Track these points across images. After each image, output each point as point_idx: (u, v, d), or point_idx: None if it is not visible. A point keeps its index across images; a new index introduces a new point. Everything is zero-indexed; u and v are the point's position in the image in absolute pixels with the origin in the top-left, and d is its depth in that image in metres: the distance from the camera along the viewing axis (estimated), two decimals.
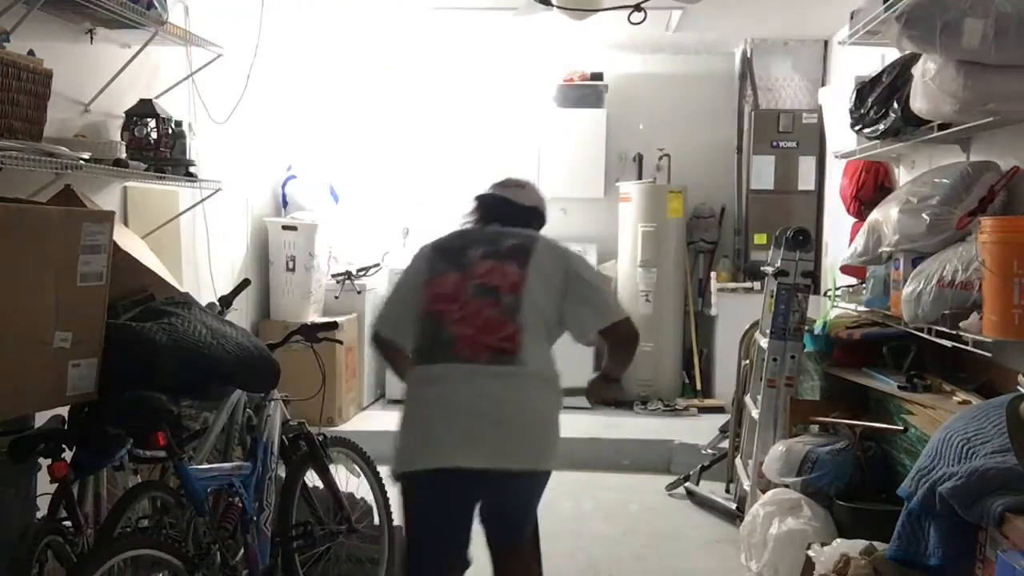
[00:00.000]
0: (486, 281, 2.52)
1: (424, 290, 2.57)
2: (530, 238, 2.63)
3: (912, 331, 3.37)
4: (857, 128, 4.05)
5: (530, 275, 2.52)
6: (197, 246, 4.74)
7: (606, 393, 2.85)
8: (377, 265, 6.41)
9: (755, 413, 4.19)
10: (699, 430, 5.57)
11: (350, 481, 3.44)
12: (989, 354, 2.95)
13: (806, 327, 4.11)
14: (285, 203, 6.04)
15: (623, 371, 2.78)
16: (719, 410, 6.07)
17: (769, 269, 4.23)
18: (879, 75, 3.84)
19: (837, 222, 5.60)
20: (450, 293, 2.52)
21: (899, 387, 3.47)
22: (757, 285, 6.14)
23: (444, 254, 2.64)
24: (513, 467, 2.43)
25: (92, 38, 3.73)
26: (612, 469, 5.41)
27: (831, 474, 3.53)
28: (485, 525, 2.57)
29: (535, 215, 2.79)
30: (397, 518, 3.23)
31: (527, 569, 2.69)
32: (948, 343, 3.13)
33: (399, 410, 2.60)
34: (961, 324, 2.99)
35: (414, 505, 2.52)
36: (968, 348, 2.99)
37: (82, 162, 3.10)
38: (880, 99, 3.76)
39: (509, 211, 2.73)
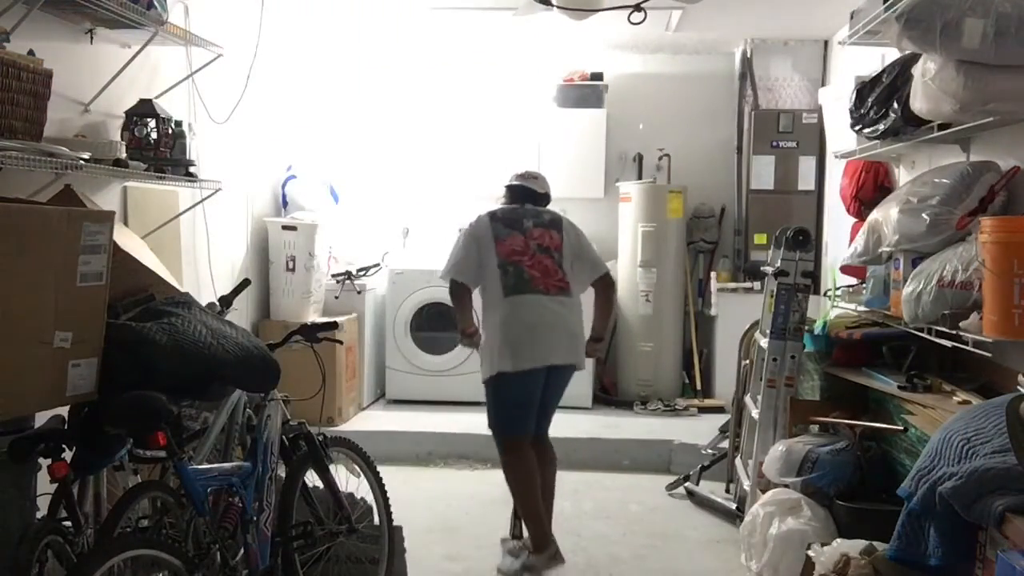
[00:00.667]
0: (541, 242, 3.82)
1: (499, 246, 3.76)
2: (557, 215, 3.97)
3: (912, 331, 3.37)
4: (857, 128, 4.05)
5: (564, 239, 3.87)
6: (197, 246, 4.74)
7: (595, 351, 4.02)
8: (377, 265, 6.41)
9: (755, 413, 4.19)
10: (699, 430, 5.57)
11: (350, 481, 3.44)
12: (989, 354, 2.95)
13: (806, 327, 4.11)
14: (285, 203, 6.05)
15: (605, 327, 4.00)
16: (719, 410, 6.08)
17: (769, 269, 4.23)
18: (879, 75, 3.84)
19: (837, 222, 5.60)
20: (520, 249, 3.77)
21: (899, 387, 3.47)
22: (757, 285, 6.14)
23: (504, 223, 3.84)
24: (577, 363, 3.84)
25: (92, 38, 3.73)
26: (612, 469, 5.41)
27: (831, 474, 3.53)
28: (543, 403, 3.83)
29: (548, 198, 4.06)
30: (395, 518, 3.54)
31: (551, 447, 3.99)
32: (948, 343, 3.13)
33: (488, 331, 3.77)
34: (961, 324, 2.99)
35: (521, 387, 3.71)
36: (968, 348, 2.99)
37: (82, 162, 3.10)
38: (880, 99, 3.76)
39: (533, 195, 3.97)
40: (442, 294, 6.29)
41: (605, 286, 3.98)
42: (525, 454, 3.75)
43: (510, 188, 4.01)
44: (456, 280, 3.84)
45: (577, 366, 3.86)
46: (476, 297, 3.96)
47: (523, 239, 3.79)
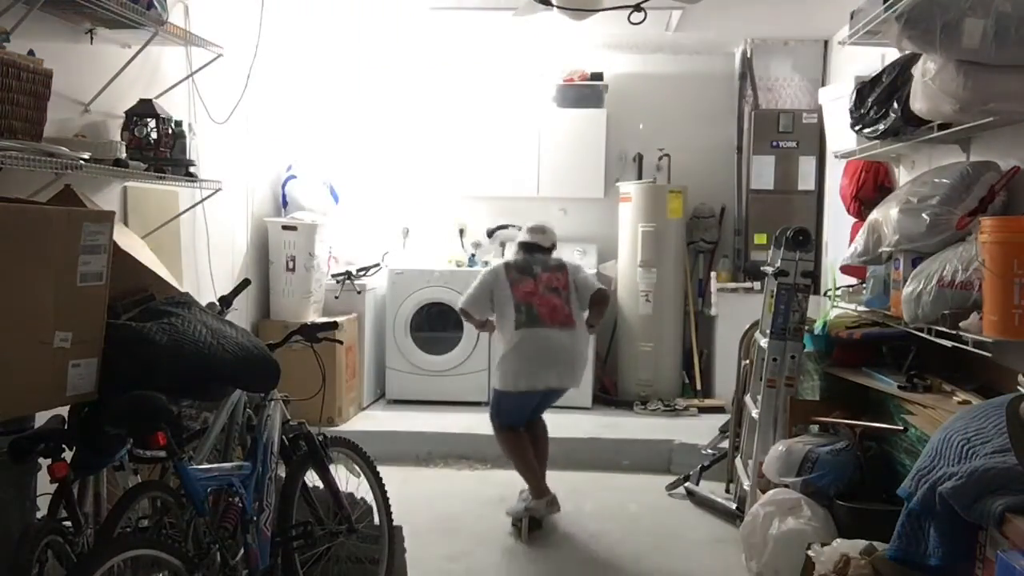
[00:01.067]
0: (549, 284, 4.54)
1: (514, 290, 4.49)
2: (561, 260, 4.73)
3: (912, 331, 3.37)
4: (857, 128, 4.05)
5: (569, 279, 4.60)
6: (197, 246, 4.74)
7: (588, 332, 4.75)
8: (377, 265, 6.41)
9: (755, 413, 4.19)
10: (699, 430, 5.57)
11: (350, 481, 3.44)
12: (989, 354, 2.95)
13: (806, 327, 4.11)
14: (285, 203, 6.05)
15: (598, 321, 4.72)
16: (719, 410, 6.08)
17: (769, 269, 4.23)
18: (879, 75, 3.84)
19: (837, 222, 5.60)
20: (531, 291, 4.50)
21: (899, 387, 3.47)
22: (757, 285, 6.15)
23: (518, 270, 4.58)
24: (570, 386, 4.57)
25: (92, 38, 3.73)
26: (612, 469, 5.41)
27: (831, 474, 3.53)
28: (537, 406, 4.64)
29: (553, 247, 4.77)
30: (396, 519, 3.54)
31: (543, 424, 4.75)
32: (948, 343, 3.13)
33: (502, 351, 4.54)
34: (961, 324, 2.99)
35: (521, 401, 4.51)
36: (968, 348, 2.99)
37: (82, 162, 3.10)
38: (880, 99, 3.77)
39: (540, 248, 4.70)
40: (442, 294, 6.33)
41: (599, 299, 4.66)
42: (515, 433, 4.60)
43: (522, 244, 4.75)
44: (467, 311, 4.67)
45: (572, 388, 4.64)
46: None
47: (533, 282, 4.53)
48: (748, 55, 6.62)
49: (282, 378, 3.03)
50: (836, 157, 4.82)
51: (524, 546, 4.24)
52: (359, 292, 6.16)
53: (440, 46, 6.67)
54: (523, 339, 4.41)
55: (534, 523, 4.41)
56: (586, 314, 4.61)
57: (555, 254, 4.76)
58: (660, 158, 6.78)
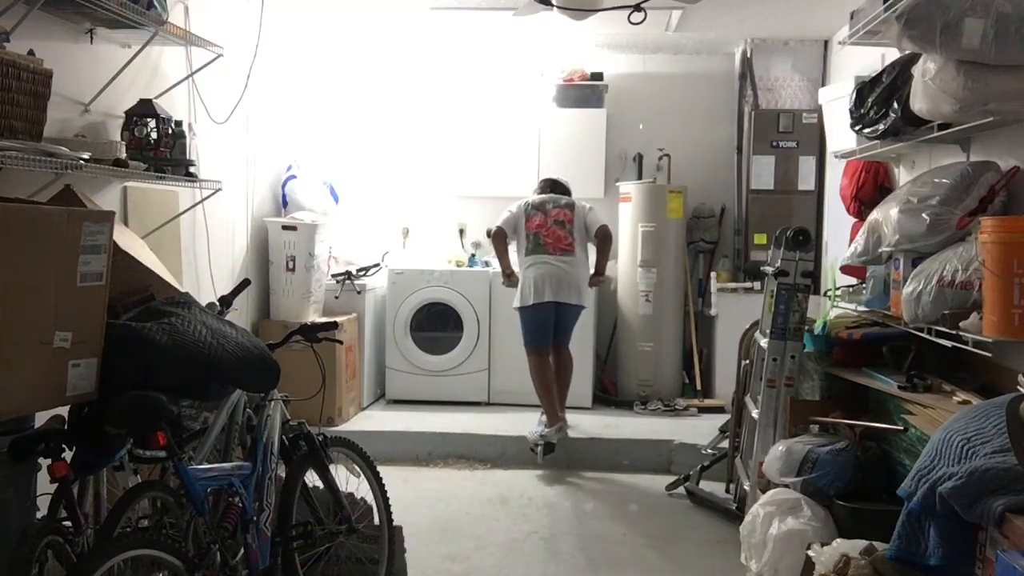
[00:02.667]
0: (557, 218, 5.58)
1: (527, 223, 5.58)
2: (572, 200, 5.71)
3: (912, 331, 3.37)
4: (857, 128, 4.05)
5: (575, 215, 5.61)
6: (197, 246, 4.74)
7: (597, 282, 5.74)
8: (377, 265, 6.41)
9: (755, 413, 4.19)
10: (699, 430, 5.57)
11: (350, 481, 3.44)
12: (989, 354, 2.95)
13: (806, 327, 4.11)
14: (285, 203, 6.04)
15: (604, 265, 5.68)
16: (719, 410, 6.07)
17: (769, 269, 4.23)
18: (879, 75, 3.84)
19: (837, 222, 5.60)
20: (541, 224, 5.57)
21: (899, 387, 3.47)
22: (757, 285, 6.15)
23: (533, 207, 5.63)
24: (569, 300, 5.48)
25: (92, 38, 3.73)
26: (612, 469, 5.42)
27: (831, 474, 3.53)
28: (556, 329, 5.54)
29: (568, 190, 5.82)
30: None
31: (568, 355, 5.69)
32: (948, 343, 3.13)
33: (521, 276, 5.55)
34: (961, 324, 2.99)
35: (535, 316, 5.48)
36: (968, 348, 2.99)
37: (82, 162, 3.10)
38: (880, 99, 3.76)
39: (555, 185, 5.81)
40: (442, 294, 6.33)
41: (602, 236, 5.62)
42: (543, 360, 5.52)
43: (542, 181, 5.91)
44: (501, 228, 5.62)
45: (579, 304, 5.55)
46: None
47: (543, 217, 5.57)
48: (748, 55, 6.62)
49: (282, 378, 3.03)
50: (836, 157, 4.82)
51: (523, 545, 4.24)
52: (359, 292, 6.16)
53: (440, 46, 6.68)
54: (531, 264, 5.50)
55: (548, 447, 5.31)
56: (592, 257, 5.64)
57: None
58: (660, 158, 6.78)
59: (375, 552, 3.43)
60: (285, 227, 5.74)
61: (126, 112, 3.85)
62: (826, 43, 6.54)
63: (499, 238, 5.64)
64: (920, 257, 3.37)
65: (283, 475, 3.16)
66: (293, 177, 6.08)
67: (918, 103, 3.32)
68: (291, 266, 5.71)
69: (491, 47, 6.67)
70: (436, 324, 6.40)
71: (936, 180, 3.43)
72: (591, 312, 6.15)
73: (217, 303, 3.43)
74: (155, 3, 3.66)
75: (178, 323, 2.76)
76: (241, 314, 5.14)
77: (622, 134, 6.84)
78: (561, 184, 5.82)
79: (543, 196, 5.70)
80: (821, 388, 4.08)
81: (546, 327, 5.50)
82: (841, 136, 4.61)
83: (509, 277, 5.59)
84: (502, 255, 5.63)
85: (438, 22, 6.02)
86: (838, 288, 4.38)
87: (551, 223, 5.55)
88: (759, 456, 4.03)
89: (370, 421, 5.95)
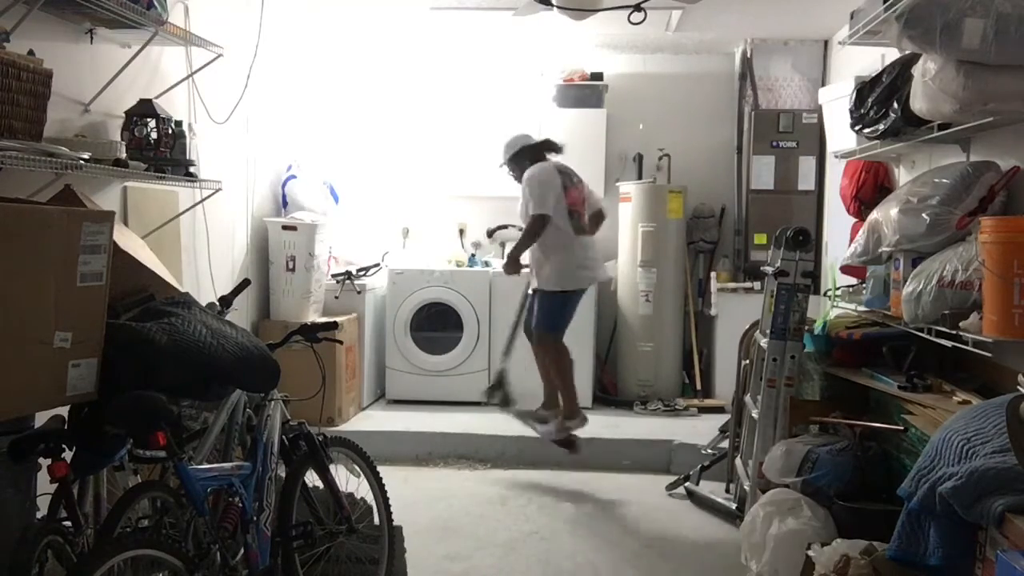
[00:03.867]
0: (582, 194, 5.23)
1: (568, 195, 5.09)
2: (577, 173, 5.32)
3: (912, 331, 3.37)
4: (857, 128, 4.05)
5: (586, 193, 5.33)
6: (197, 246, 4.74)
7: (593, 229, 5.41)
8: (377, 265, 6.41)
9: (755, 413, 4.19)
10: (699, 430, 5.57)
11: (350, 481, 3.44)
12: (989, 354, 2.95)
13: (806, 327, 4.11)
14: (285, 203, 6.04)
15: (596, 231, 5.35)
16: (719, 410, 6.07)
17: (769, 269, 4.23)
18: (879, 75, 3.84)
19: (837, 222, 5.60)
20: (578, 200, 5.17)
21: (899, 387, 3.47)
22: (757, 285, 6.15)
23: (565, 175, 5.16)
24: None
25: (92, 38, 3.73)
26: (612, 469, 5.42)
27: (831, 474, 3.53)
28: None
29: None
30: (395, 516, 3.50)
31: (544, 350, 5.29)
32: (948, 343, 3.13)
33: (556, 256, 5.11)
34: (961, 324, 2.99)
35: (575, 301, 5.23)
36: (968, 348, 2.99)
37: (82, 162, 3.10)
38: (880, 99, 3.76)
39: (557, 148, 5.35)
40: (442, 294, 6.33)
41: (597, 216, 5.35)
42: (566, 348, 5.21)
43: (547, 141, 5.34)
44: (548, 215, 5.01)
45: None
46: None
47: (578, 192, 5.18)
48: (748, 55, 6.62)
49: (282, 378, 3.03)
50: (836, 157, 4.82)
51: (523, 545, 4.23)
52: (359, 292, 6.16)
53: (440, 46, 6.67)
54: (572, 244, 5.11)
55: (574, 440, 5.27)
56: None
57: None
58: (660, 158, 6.78)
59: (375, 552, 3.43)
60: (285, 227, 5.74)
61: (126, 112, 3.85)
62: (826, 43, 6.54)
63: (544, 228, 5.04)
64: (920, 257, 3.37)
65: (283, 475, 3.16)
66: (293, 177, 6.08)
67: (918, 103, 3.32)
68: (291, 266, 5.71)
69: (491, 47, 6.67)
70: (436, 324, 6.40)
71: (936, 180, 3.43)
72: (591, 312, 6.16)
73: (217, 303, 3.43)
74: (155, 3, 3.66)
75: (178, 323, 2.76)
76: (241, 314, 5.14)
77: (622, 134, 6.84)
78: (559, 144, 5.38)
79: (565, 165, 5.26)
80: (821, 388, 4.08)
81: (574, 311, 5.27)
82: (841, 136, 4.61)
83: (519, 269, 5.23)
84: (531, 245, 5.13)
85: (438, 22, 6.02)
86: (838, 288, 4.38)
87: (581, 200, 5.22)
88: (759, 456, 4.03)
89: (370, 421, 5.95)
